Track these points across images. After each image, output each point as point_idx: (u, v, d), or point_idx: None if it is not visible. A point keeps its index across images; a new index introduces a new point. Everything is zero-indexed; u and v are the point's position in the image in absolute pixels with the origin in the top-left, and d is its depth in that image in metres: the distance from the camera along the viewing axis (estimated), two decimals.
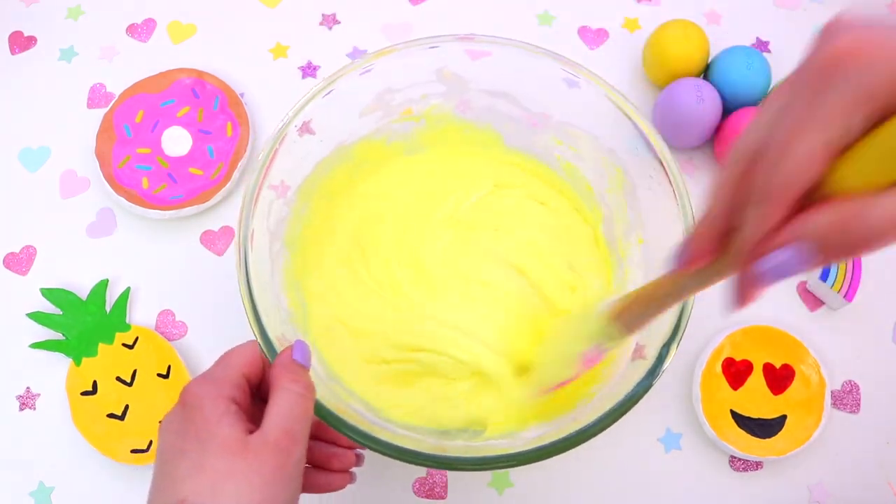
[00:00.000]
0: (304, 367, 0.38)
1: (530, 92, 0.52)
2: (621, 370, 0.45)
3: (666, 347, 0.42)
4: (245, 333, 0.56)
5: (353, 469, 0.44)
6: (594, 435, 0.40)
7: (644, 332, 0.46)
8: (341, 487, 0.43)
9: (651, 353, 0.43)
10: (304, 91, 0.64)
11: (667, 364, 0.41)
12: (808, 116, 0.24)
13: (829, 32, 0.24)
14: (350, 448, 0.44)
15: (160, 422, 0.37)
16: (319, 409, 0.40)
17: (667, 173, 0.45)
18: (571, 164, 0.53)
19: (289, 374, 0.37)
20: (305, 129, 0.48)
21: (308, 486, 0.42)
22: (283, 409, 0.35)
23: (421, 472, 0.52)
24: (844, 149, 0.24)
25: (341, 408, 0.42)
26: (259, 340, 0.41)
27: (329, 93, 0.48)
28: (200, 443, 0.34)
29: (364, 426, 0.41)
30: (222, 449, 0.33)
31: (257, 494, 0.33)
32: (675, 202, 0.45)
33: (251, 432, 0.35)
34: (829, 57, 0.23)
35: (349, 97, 0.49)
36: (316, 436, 0.44)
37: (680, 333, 0.42)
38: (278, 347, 0.42)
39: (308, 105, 0.47)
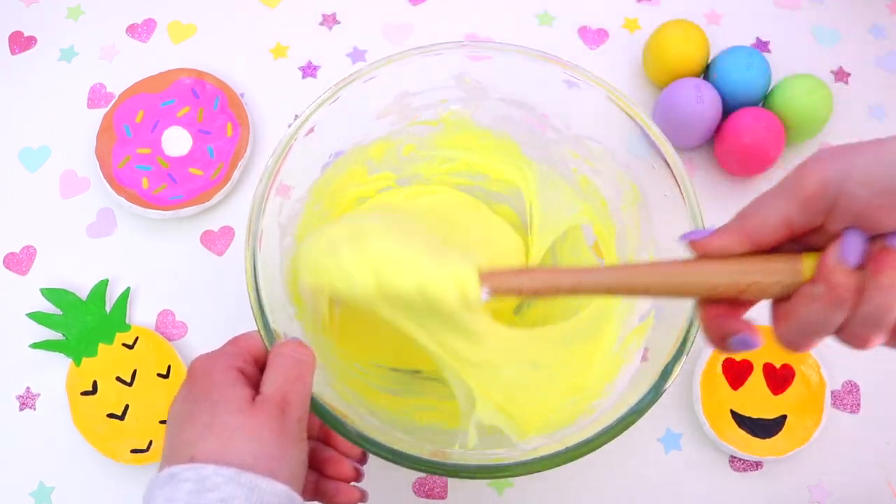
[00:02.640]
0: (306, 345, 0.39)
1: (544, 102, 0.51)
2: (624, 385, 0.45)
3: (671, 365, 0.42)
4: None
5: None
6: (596, 448, 0.40)
7: (650, 343, 0.46)
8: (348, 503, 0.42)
9: (654, 359, 0.43)
10: (304, 91, 0.64)
11: (671, 382, 0.41)
12: None
13: None
14: (346, 455, 0.44)
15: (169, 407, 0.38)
16: (319, 409, 0.40)
17: (682, 193, 0.45)
18: (587, 178, 0.53)
19: (290, 343, 0.38)
20: (315, 129, 0.47)
21: (319, 494, 0.42)
22: (277, 372, 0.37)
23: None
24: None
25: (341, 409, 0.41)
26: (262, 334, 0.41)
27: (337, 99, 0.47)
28: (212, 405, 0.35)
29: (364, 428, 0.41)
30: (233, 407, 0.34)
31: (268, 447, 0.33)
32: (690, 221, 0.45)
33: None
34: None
35: (365, 99, 0.49)
36: (318, 438, 0.44)
37: (686, 351, 0.42)
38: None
39: (323, 106, 0.47)
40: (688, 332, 0.42)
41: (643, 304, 0.49)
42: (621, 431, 0.40)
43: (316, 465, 0.43)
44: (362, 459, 0.44)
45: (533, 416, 0.46)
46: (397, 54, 0.48)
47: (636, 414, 0.41)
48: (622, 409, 0.41)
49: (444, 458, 0.41)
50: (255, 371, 0.38)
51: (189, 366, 0.38)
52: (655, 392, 0.41)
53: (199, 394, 0.36)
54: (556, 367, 0.48)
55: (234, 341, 0.40)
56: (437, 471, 0.40)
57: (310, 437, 0.43)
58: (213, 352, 0.38)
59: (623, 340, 0.48)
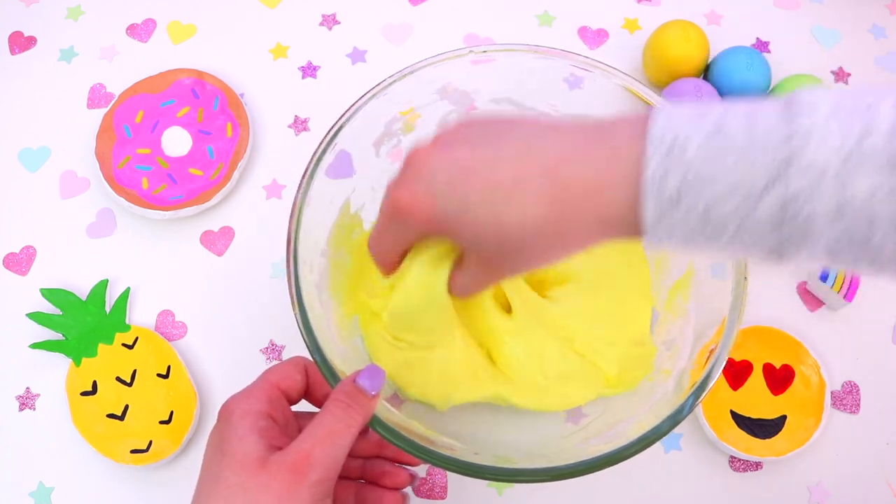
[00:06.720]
0: (365, 395, 0.37)
1: (536, 93, 0.51)
2: (650, 404, 0.45)
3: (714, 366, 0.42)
4: (245, 334, 0.56)
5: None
6: (621, 460, 0.40)
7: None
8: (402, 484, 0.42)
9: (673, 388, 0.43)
10: (304, 91, 0.64)
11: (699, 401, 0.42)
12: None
13: (394, 184, 0.35)
14: (402, 463, 0.43)
15: None
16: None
17: None
18: None
19: (339, 399, 0.37)
20: (327, 170, 0.46)
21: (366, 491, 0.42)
22: (313, 431, 0.36)
23: (420, 471, 0.52)
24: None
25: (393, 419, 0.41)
26: (323, 370, 0.40)
27: (336, 136, 0.47)
28: (222, 457, 0.35)
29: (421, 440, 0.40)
30: (239, 464, 0.34)
31: None
32: None
33: (279, 449, 0.35)
34: (391, 205, 0.34)
35: (363, 132, 0.48)
36: (375, 454, 0.44)
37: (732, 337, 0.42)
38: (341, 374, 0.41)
39: (325, 154, 0.46)
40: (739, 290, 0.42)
41: (675, 261, 0.49)
42: (650, 444, 0.40)
43: (367, 477, 0.43)
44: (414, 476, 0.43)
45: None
46: (399, 73, 0.48)
47: (670, 425, 0.41)
48: (654, 423, 0.41)
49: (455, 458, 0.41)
50: (281, 411, 0.38)
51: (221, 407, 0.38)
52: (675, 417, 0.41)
53: (214, 443, 0.36)
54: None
55: (265, 376, 0.39)
56: (467, 471, 0.40)
57: (361, 456, 0.43)
58: (241, 391, 0.38)
59: (667, 298, 0.48)
